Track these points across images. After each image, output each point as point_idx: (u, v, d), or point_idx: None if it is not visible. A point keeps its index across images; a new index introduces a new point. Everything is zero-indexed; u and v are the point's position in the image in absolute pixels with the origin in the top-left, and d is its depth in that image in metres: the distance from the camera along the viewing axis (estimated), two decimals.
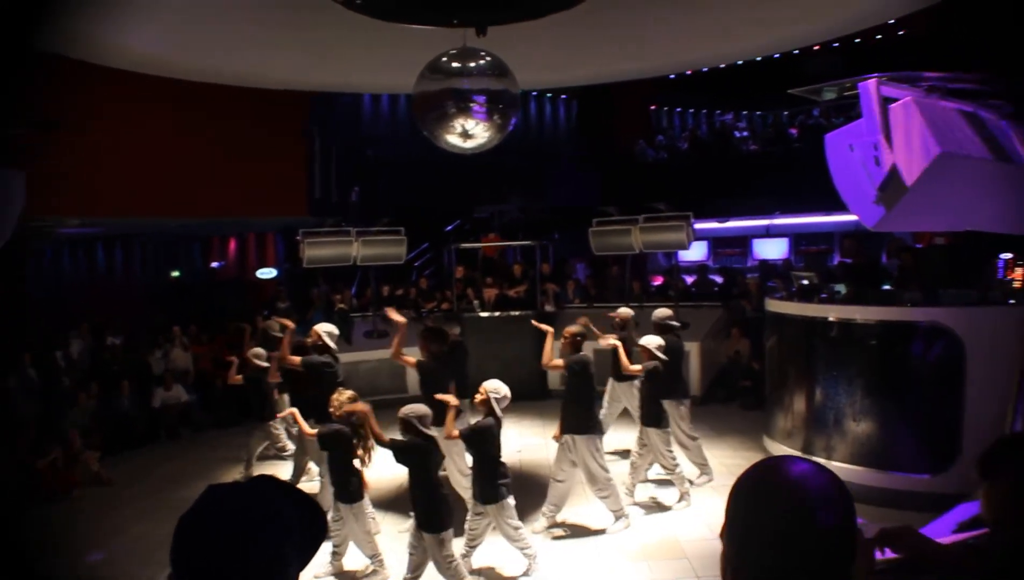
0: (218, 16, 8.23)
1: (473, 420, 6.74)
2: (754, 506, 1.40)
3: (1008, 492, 2.19)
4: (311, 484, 8.38)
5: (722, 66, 14.54)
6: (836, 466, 7.69)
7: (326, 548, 6.52)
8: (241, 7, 8.01)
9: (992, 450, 2.32)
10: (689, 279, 16.51)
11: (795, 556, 1.34)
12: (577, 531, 7.43)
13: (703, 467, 8.58)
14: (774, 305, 9.49)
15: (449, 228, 18.84)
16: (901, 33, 17.85)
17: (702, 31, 9.51)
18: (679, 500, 7.94)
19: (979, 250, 9.09)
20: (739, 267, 18.57)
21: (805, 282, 9.60)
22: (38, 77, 10.16)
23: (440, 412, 6.45)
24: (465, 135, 7.07)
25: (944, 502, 5.55)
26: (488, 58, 6.98)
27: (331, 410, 6.42)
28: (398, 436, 5.93)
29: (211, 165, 15.23)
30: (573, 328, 7.56)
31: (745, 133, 21.44)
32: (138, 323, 15.27)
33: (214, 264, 22.05)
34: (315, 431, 6.74)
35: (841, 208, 7.25)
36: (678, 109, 26.94)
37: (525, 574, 6.48)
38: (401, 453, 5.87)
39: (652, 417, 7.84)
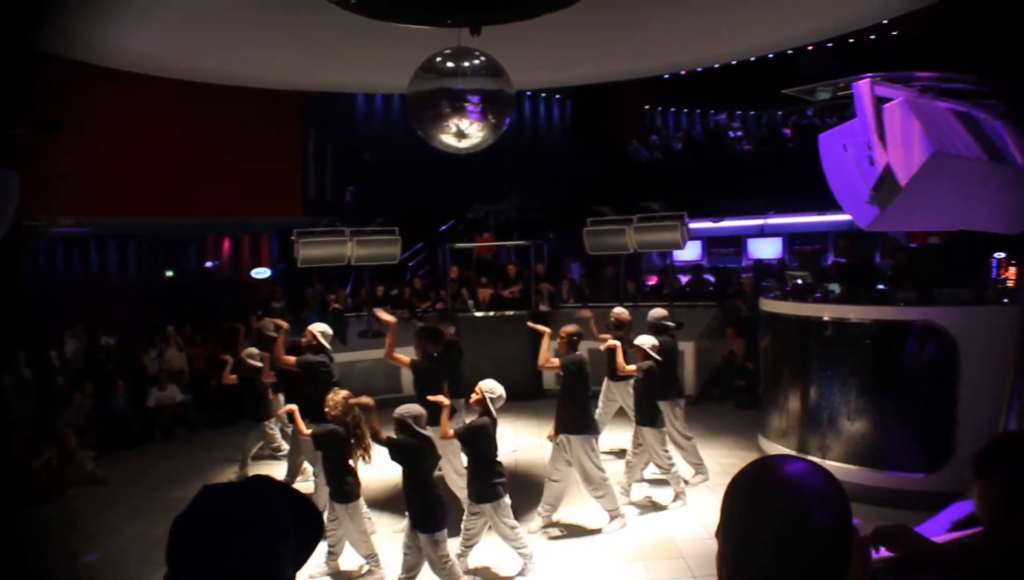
0: (216, 16, 8.22)
1: (468, 420, 6.74)
2: (749, 505, 1.41)
3: (1002, 491, 2.20)
4: (306, 484, 8.37)
5: (716, 66, 14.59)
6: (831, 465, 7.70)
7: (322, 548, 6.51)
8: (238, 7, 8.00)
9: (986, 449, 2.33)
10: (684, 279, 16.54)
11: (790, 555, 1.34)
12: (573, 531, 7.44)
13: (698, 467, 8.59)
14: (768, 305, 9.51)
15: (444, 228, 18.85)
16: (895, 33, 17.90)
17: (696, 31, 9.52)
18: (674, 499, 7.95)
19: (973, 249, 9.12)
20: (733, 267, 18.60)
21: (799, 282, 9.62)
22: (38, 77, 10.15)
23: (435, 412, 6.45)
24: (460, 135, 7.07)
25: (938, 501, 5.56)
26: (482, 58, 6.98)
27: (326, 410, 6.41)
28: (394, 435, 5.94)
29: (207, 165, 15.22)
30: (570, 327, 7.57)
31: (739, 133, 21.46)
32: (133, 323, 15.23)
33: (208, 264, 21.99)
34: (309, 431, 6.74)
35: (835, 208, 7.27)
36: (672, 109, 26.99)
37: (521, 574, 6.48)
38: (397, 451, 5.87)
39: (647, 417, 7.85)
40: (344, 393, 6.52)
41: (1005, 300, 7.92)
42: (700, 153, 20.64)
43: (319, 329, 8.13)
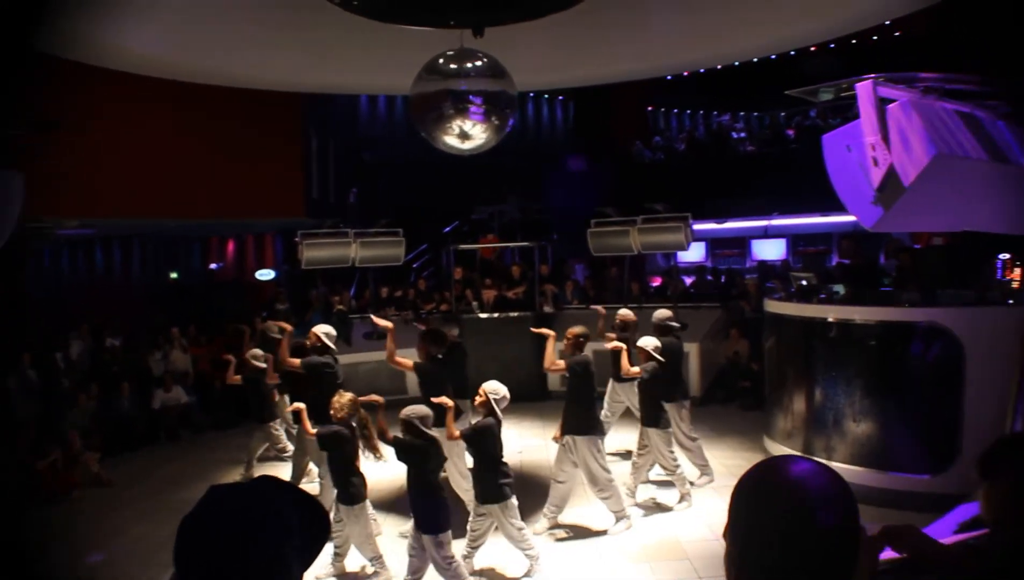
0: (217, 17, 8.23)
1: (474, 421, 6.74)
2: (755, 506, 1.41)
3: (1008, 492, 2.20)
4: (312, 485, 8.37)
5: (719, 67, 14.59)
6: (836, 466, 7.68)
7: (328, 549, 6.52)
8: (240, 8, 8.02)
9: (991, 450, 2.32)
10: (688, 280, 16.53)
11: (796, 556, 1.34)
12: (578, 532, 7.43)
13: (704, 468, 8.58)
14: (773, 306, 9.50)
15: (447, 229, 18.85)
16: (898, 34, 17.88)
17: (699, 32, 9.51)
18: (680, 501, 7.94)
19: (977, 250, 9.11)
20: (737, 268, 18.59)
21: (804, 283, 9.61)
22: (38, 77, 10.16)
23: (441, 414, 6.46)
24: (463, 136, 7.07)
25: (944, 502, 5.55)
26: (485, 59, 6.98)
27: (332, 412, 6.42)
28: (401, 436, 5.95)
29: (209, 166, 15.23)
30: (577, 329, 7.55)
31: (742, 134, 21.46)
32: (137, 324, 15.25)
33: (213, 265, 22.03)
34: (315, 431, 6.74)
35: (839, 209, 7.27)
36: (675, 110, 27.00)
37: (527, 575, 6.48)
38: (403, 451, 5.88)
39: (652, 418, 7.85)
40: (350, 395, 6.53)
41: (1010, 301, 7.91)
42: (703, 154, 20.63)
43: (323, 330, 8.13)
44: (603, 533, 7.35)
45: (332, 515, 6.47)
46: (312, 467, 8.64)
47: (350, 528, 6.42)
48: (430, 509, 5.84)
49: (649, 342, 7.86)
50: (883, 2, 8.73)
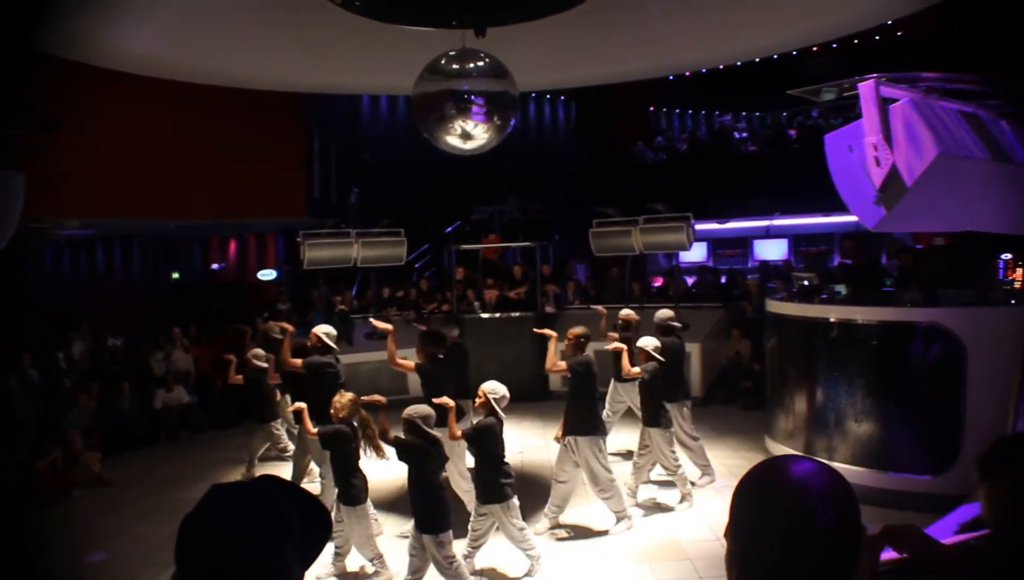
0: (217, 17, 8.23)
1: (475, 422, 6.74)
2: (756, 506, 1.41)
3: (1008, 492, 2.20)
4: (313, 485, 8.37)
5: (721, 67, 14.57)
6: (837, 467, 7.62)
7: (329, 549, 6.51)
8: (240, 8, 8.01)
9: (992, 451, 2.32)
10: (689, 280, 16.52)
11: (797, 556, 1.34)
12: (579, 532, 7.43)
13: (705, 468, 8.58)
14: (774, 306, 9.49)
15: (449, 229, 18.85)
16: (899, 34, 17.87)
17: (701, 32, 9.51)
18: (681, 501, 7.94)
19: (979, 250, 9.11)
20: (739, 268, 18.58)
21: (805, 283, 9.61)
22: (38, 77, 10.16)
23: (443, 414, 6.45)
24: (465, 136, 7.07)
25: (945, 503, 5.56)
26: (487, 59, 6.98)
27: (332, 412, 6.42)
28: (402, 436, 5.95)
29: (210, 166, 15.24)
30: (578, 329, 7.54)
31: (744, 134, 21.46)
32: (138, 324, 15.26)
33: (214, 266, 22.04)
34: (316, 430, 6.73)
35: (841, 209, 7.26)
36: (677, 110, 26.99)
37: (528, 575, 6.48)
38: (404, 451, 5.87)
39: (654, 418, 7.84)
40: (350, 395, 6.53)
41: (1012, 301, 7.90)
42: (705, 154, 20.64)
43: (323, 331, 8.12)
44: (604, 533, 7.35)
45: (333, 515, 6.46)
46: (313, 467, 8.65)
47: (351, 528, 6.42)
48: (431, 509, 5.84)
49: (649, 342, 7.86)
50: (884, 2, 8.73)
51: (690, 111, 27.10)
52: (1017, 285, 9.27)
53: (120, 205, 14.37)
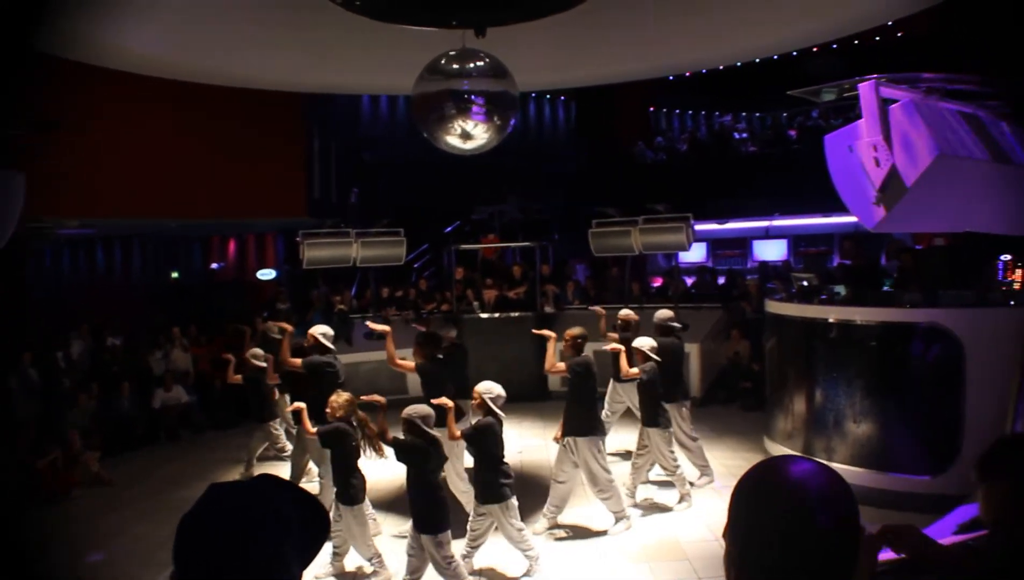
0: (217, 17, 8.23)
1: (474, 422, 6.74)
2: (755, 506, 1.41)
3: (1007, 493, 2.20)
4: (311, 484, 8.37)
5: (721, 68, 14.57)
6: (836, 467, 7.66)
7: (327, 548, 6.51)
8: (240, 8, 8.02)
9: (991, 451, 2.32)
10: (689, 280, 16.52)
11: (796, 556, 1.34)
12: (578, 532, 7.43)
13: (704, 468, 8.58)
14: (774, 306, 9.49)
15: (448, 229, 18.85)
16: (900, 34, 17.86)
17: (701, 32, 9.51)
18: (680, 501, 7.94)
19: (979, 251, 9.11)
20: (739, 269, 18.58)
21: (805, 283, 9.61)
22: (38, 77, 10.16)
23: (442, 414, 6.45)
24: (465, 136, 7.07)
25: (944, 503, 5.56)
26: (487, 59, 6.98)
27: (328, 412, 6.43)
28: (401, 436, 5.95)
29: (210, 166, 15.23)
30: (575, 330, 7.54)
31: (744, 135, 21.46)
32: (138, 324, 15.26)
33: (214, 265, 22.04)
34: (316, 429, 6.73)
35: (841, 209, 7.27)
36: (677, 111, 26.99)
37: (526, 575, 6.48)
38: (403, 452, 5.87)
39: (653, 418, 7.84)
40: (347, 395, 6.53)
41: (1011, 302, 7.90)
42: (705, 154, 20.63)
43: (319, 332, 8.09)
44: (603, 533, 7.35)
45: (331, 514, 6.47)
46: (312, 466, 8.65)
47: (349, 528, 6.42)
48: (430, 509, 5.84)
49: (645, 342, 7.86)
50: (885, 2, 8.73)
51: (690, 111, 27.11)
52: (1016, 286, 9.27)
53: (120, 205, 14.37)
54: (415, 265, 18.18)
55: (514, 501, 6.33)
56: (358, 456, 6.42)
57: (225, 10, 8.07)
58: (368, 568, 6.58)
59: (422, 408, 6.00)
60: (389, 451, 6.10)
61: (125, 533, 8.06)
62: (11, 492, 9.18)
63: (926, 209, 6.44)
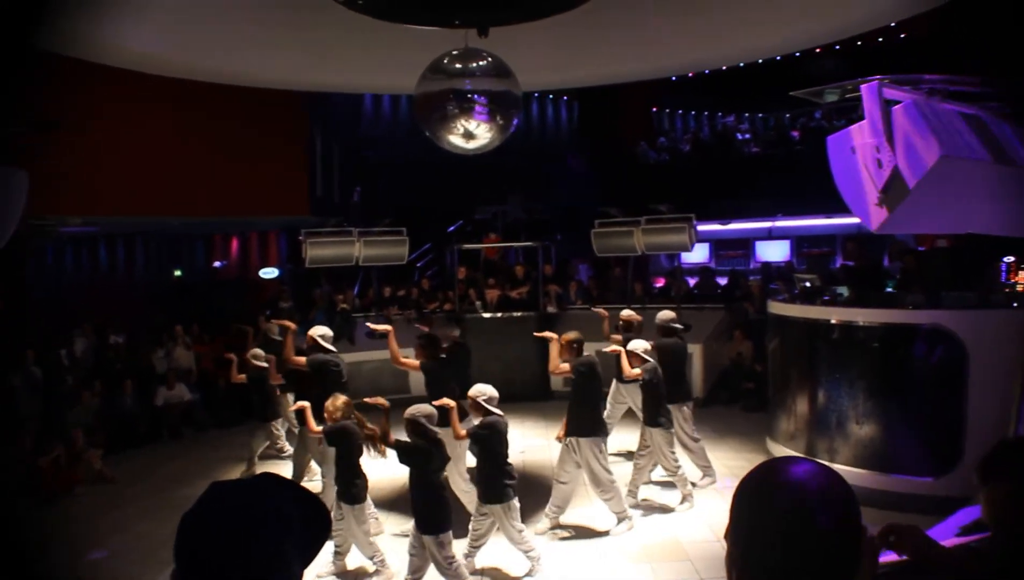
0: (218, 16, 8.22)
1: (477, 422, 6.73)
2: (756, 507, 1.41)
3: (1009, 495, 2.19)
4: (313, 483, 8.38)
5: (724, 68, 14.55)
6: (839, 469, 7.64)
7: (328, 547, 6.52)
8: (240, 7, 8.01)
9: (992, 453, 2.32)
10: (691, 281, 16.49)
11: (797, 557, 1.34)
12: (580, 532, 7.44)
13: (706, 469, 8.58)
14: (776, 307, 9.49)
15: (451, 229, 18.85)
16: (902, 36, 17.84)
17: (704, 33, 9.50)
18: (682, 502, 7.94)
19: (981, 253, 9.10)
20: (741, 269, 18.56)
21: (807, 284, 9.59)
22: (40, 77, 10.17)
23: (445, 414, 6.46)
24: (467, 136, 7.07)
25: (947, 505, 5.55)
26: (490, 59, 6.98)
27: (325, 416, 6.45)
28: (404, 437, 5.95)
29: (212, 164, 15.24)
30: (570, 335, 7.51)
31: (747, 135, 21.41)
32: (140, 322, 15.28)
33: (216, 263, 22.05)
34: (320, 428, 6.74)
35: (843, 210, 7.26)
36: (680, 111, 26.96)
37: (528, 575, 6.48)
38: (405, 454, 5.88)
39: (655, 418, 7.84)
40: (343, 398, 6.55)
41: (1014, 304, 7.89)
42: (708, 155, 20.59)
43: (318, 333, 8.06)
44: (605, 534, 7.35)
45: (333, 513, 6.47)
46: (313, 465, 8.65)
47: (350, 527, 6.42)
48: (432, 509, 5.84)
49: (639, 345, 7.85)
50: (887, 3, 8.72)
51: (693, 112, 27.07)
52: (1020, 288, 9.24)
53: (123, 203, 14.38)
54: (417, 264, 18.16)
55: (516, 502, 6.34)
56: (362, 453, 6.43)
57: (225, 9, 8.06)
58: (370, 567, 6.59)
59: (425, 408, 6.00)
60: (390, 450, 6.10)
61: (127, 531, 8.07)
62: (14, 489, 9.20)
63: (929, 210, 6.43)
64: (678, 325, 8.66)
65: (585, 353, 7.46)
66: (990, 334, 7.39)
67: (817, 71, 15.51)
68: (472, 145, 7.16)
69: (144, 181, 14.28)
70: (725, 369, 12.83)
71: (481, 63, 6.96)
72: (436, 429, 5.96)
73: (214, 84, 11.33)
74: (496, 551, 6.74)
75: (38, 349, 11.97)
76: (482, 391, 6.39)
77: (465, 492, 7.46)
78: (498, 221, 18.22)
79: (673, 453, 7.93)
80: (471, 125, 7.00)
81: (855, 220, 7.66)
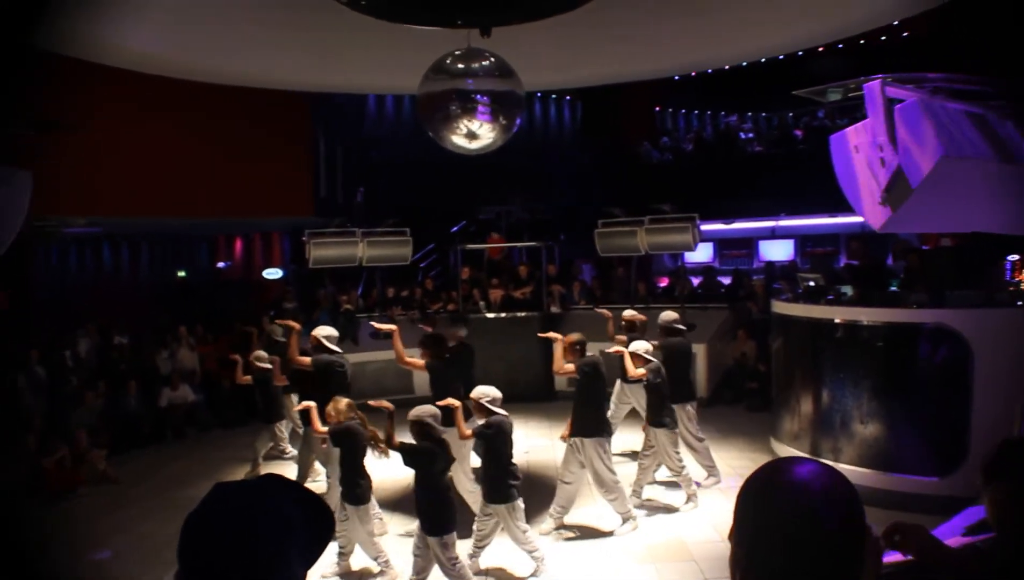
0: (218, 16, 8.23)
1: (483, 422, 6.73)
2: (761, 507, 1.40)
3: (1013, 495, 2.19)
4: (317, 484, 8.38)
5: (727, 67, 14.55)
6: (843, 468, 7.63)
7: (332, 548, 6.53)
8: (241, 7, 8.01)
9: (996, 453, 2.32)
10: (695, 280, 16.48)
11: (801, 558, 1.34)
12: (584, 533, 7.43)
13: (710, 469, 8.57)
14: (780, 307, 9.48)
15: (455, 229, 18.85)
16: (906, 34, 17.80)
17: (706, 32, 9.49)
18: (686, 502, 7.93)
19: (986, 251, 9.07)
20: (745, 269, 18.53)
21: (811, 284, 9.58)
22: (42, 78, 10.18)
23: (449, 414, 6.45)
24: (470, 136, 7.07)
25: (951, 505, 5.52)
26: (492, 59, 6.98)
27: (327, 419, 6.44)
28: (408, 438, 5.94)
29: (215, 165, 15.26)
30: (573, 336, 7.51)
31: (750, 135, 21.37)
32: (144, 323, 15.30)
33: (220, 264, 22.07)
34: (325, 428, 6.73)
35: (847, 209, 7.25)
36: (683, 110, 26.91)
37: (533, 575, 6.47)
38: (409, 456, 5.87)
39: (659, 418, 7.84)
40: (346, 401, 6.54)
41: (1019, 302, 7.87)
42: (711, 154, 20.56)
43: (323, 334, 8.05)
44: (609, 534, 7.35)
45: (337, 514, 6.47)
46: (318, 466, 8.65)
47: (354, 527, 6.42)
48: (436, 510, 5.84)
49: (640, 346, 7.84)
50: (888, 3, 8.71)
51: (696, 111, 27.03)
52: None
53: (124, 204, 14.41)
54: (421, 265, 18.16)
55: (520, 503, 6.33)
56: (366, 454, 6.43)
57: (226, 10, 8.07)
58: (374, 568, 6.59)
59: (429, 408, 6.00)
60: (394, 453, 6.10)
61: (131, 531, 8.08)
62: (18, 489, 9.21)
63: (932, 209, 6.41)
64: (680, 326, 8.65)
65: (589, 353, 7.45)
66: (995, 333, 7.37)
67: (820, 70, 15.46)
68: (475, 145, 7.16)
69: (146, 182, 14.30)
70: (729, 369, 12.83)
71: (484, 63, 6.96)
72: (442, 428, 5.96)
73: (218, 85, 11.35)
74: (500, 551, 6.74)
75: (42, 349, 11.99)
76: (485, 393, 6.39)
77: (470, 492, 7.46)
78: (501, 221, 18.21)
79: (677, 453, 7.93)
80: (474, 125, 7.01)
81: (859, 219, 7.64)
